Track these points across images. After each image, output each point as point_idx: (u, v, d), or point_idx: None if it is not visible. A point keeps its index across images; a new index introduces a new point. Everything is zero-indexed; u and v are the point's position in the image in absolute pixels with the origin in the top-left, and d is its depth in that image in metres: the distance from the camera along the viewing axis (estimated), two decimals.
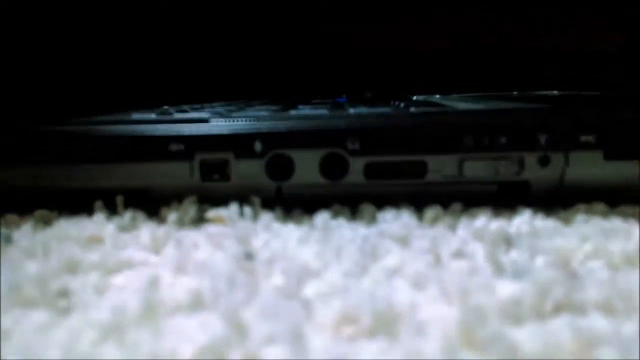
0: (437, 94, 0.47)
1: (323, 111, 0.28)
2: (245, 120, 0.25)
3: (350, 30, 0.60)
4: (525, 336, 0.14)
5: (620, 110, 0.24)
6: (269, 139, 0.24)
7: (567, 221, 0.23)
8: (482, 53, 0.59)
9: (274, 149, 0.24)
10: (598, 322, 0.15)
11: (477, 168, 0.24)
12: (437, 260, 0.19)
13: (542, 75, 0.58)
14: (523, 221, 0.23)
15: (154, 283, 0.17)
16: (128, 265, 0.20)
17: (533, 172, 0.24)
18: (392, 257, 0.20)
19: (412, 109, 0.28)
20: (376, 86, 0.59)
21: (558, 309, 0.16)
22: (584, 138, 0.24)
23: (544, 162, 0.24)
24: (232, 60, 0.59)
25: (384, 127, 0.24)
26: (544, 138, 0.24)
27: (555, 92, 0.43)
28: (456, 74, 0.60)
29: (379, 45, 0.60)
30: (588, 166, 0.24)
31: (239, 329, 0.15)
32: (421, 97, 0.42)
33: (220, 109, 0.31)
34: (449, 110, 0.26)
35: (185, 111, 0.30)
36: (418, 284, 0.18)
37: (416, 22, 0.59)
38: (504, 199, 0.25)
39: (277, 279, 0.18)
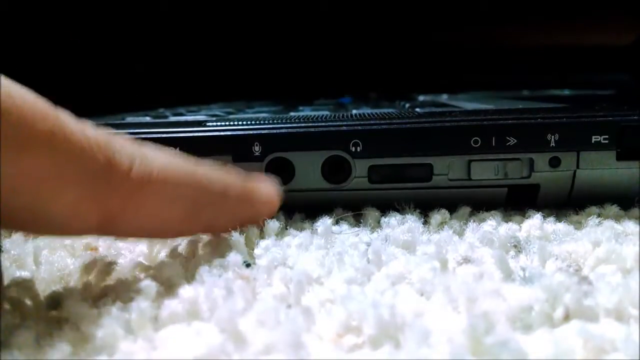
0: (445, 93, 0.46)
1: (325, 112, 0.27)
2: (244, 123, 0.24)
3: (354, 28, 0.59)
4: (535, 343, 0.14)
5: (631, 109, 0.23)
6: (268, 141, 0.24)
7: (578, 225, 0.22)
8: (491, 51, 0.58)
9: (274, 151, 0.24)
10: (609, 329, 0.15)
11: (485, 170, 0.24)
12: (444, 266, 0.19)
13: (553, 74, 0.57)
14: (533, 225, 0.22)
15: (148, 292, 0.16)
16: (122, 274, 0.19)
17: (543, 173, 0.24)
18: (397, 263, 0.19)
19: (418, 110, 0.27)
20: (382, 86, 0.58)
21: (568, 316, 0.15)
22: (595, 138, 0.23)
23: (555, 163, 0.23)
24: (234, 61, 0.59)
25: (388, 129, 0.24)
26: (555, 138, 0.23)
27: (567, 91, 0.42)
28: (464, 73, 0.59)
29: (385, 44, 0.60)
30: (600, 167, 0.23)
31: (236, 339, 0.14)
32: (428, 97, 0.41)
33: (217, 111, 0.30)
34: (455, 111, 0.26)
35: (181, 114, 0.29)
36: (423, 291, 0.17)
37: (423, 20, 0.59)
38: (514, 201, 0.24)
39: (277, 287, 0.17)
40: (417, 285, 0.18)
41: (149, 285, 0.17)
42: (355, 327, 0.15)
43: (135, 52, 0.56)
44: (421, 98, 0.41)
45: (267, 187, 0.21)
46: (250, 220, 0.21)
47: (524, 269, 0.18)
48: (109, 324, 0.15)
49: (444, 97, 0.41)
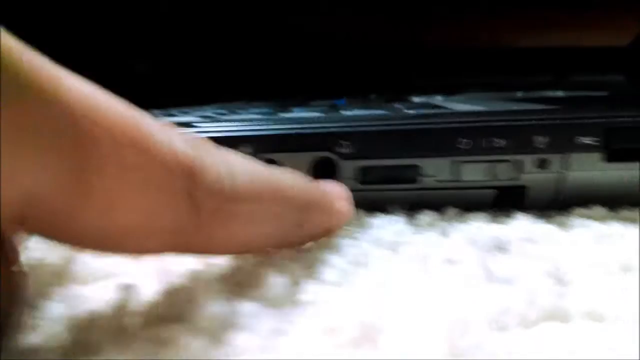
0: (446, 94, 0.46)
1: (316, 114, 0.27)
2: (233, 124, 0.24)
3: (359, 29, 0.59)
4: (510, 344, 0.14)
5: (620, 110, 0.23)
6: (257, 143, 0.24)
7: (564, 226, 0.22)
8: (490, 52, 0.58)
9: (263, 153, 0.24)
10: (584, 330, 0.15)
11: (473, 172, 0.24)
12: (427, 268, 0.19)
13: (554, 75, 0.57)
14: (518, 226, 0.22)
15: (127, 293, 0.16)
16: (104, 275, 0.19)
17: (531, 175, 0.24)
18: (381, 264, 0.19)
19: (408, 111, 0.27)
20: (387, 87, 0.58)
21: (544, 317, 0.15)
22: (583, 140, 0.23)
23: (543, 165, 0.23)
24: (240, 63, 0.59)
25: (376, 131, 0.24)
26: (542, 140, 0.23)
27: (561, 92, 0.42)
28: (465, 73, 0.59)
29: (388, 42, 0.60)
30: (588, 169, 0.23)
31: (216, 340, 0.14)
32: (422, 99, 0.41)
33: (209, 112, 0.30)
34: (445, 112, 0.26)
35: (173, 115, 0.29)
36: (406, 292, 0.17)
37: (426, 21, 0.59)
38: (502, 203, 0.24)
39: (260, 288, 0.17)
40: (399, 286, 0.18)
41: (127, 285, 0.17)
42: (336, 329, 0.15)
43: (135, 53, 0.56)
44: (416, 99, 0.41)
45: (340, 195, 0.21)
46: (327, 231, 0.20)
47: (504, 270, 0.18)
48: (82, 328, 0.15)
49: (438, 99, 0.41)
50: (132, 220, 0.14)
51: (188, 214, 0.15)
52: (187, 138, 0.16)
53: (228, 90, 0.54)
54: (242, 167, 0.17)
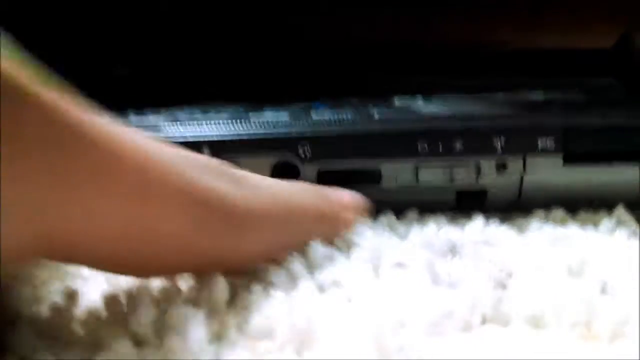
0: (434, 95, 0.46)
1: (283, 116, 0.27)
2: (197, 127, 0.24)
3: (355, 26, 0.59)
4: (446, 348, 0.14)
5: (580, 113, 0.23)
6: (217, 146, 0.24)
7: (520, 229, 0.22)
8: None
9: (223, 156, 0.24)
10: (521, 335, 0.15)
11: (432, 175, 0.24)
12: (376, 271, 0.19)
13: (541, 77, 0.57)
14: (474, 229, 0.22)
15: (71, 296, 0.16)
16: (61, 279, 0.19)
17: (490, 178, 0.24)
18: (330, 268, 0.19)
19: (373, 114, 0.27)
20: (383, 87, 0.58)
21: (485, 321, 0.15)
22: (542, 142, 0.23)
23: (501, 167, 0.23)
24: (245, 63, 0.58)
25: (336, 134, 0.24)
26: (501, 143, 0.23)
27: (542, 94, 0.42)
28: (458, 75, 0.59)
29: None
30: (546, 172, 0.23)
31: (150, 345, 0.14)
32: (403, 101, 0.41)
33: (181, 114, 0.30)
34: (407, 116, 0.26)
35: (144, 114, 0.29)
36: (350, 296, 0.17)
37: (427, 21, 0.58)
38: (463, 205, 0.24)
39: (205, 292, 0.17)
40: (345, 290, 0.18)
41: (71, 288, 0.17)
42: (268, 333, 0.15)
43: (122, 54, 0.56)
44: (397, 102, 0.41)
45: (348, 204, 0.21)
46: (329, 240, 0.21)
47: (451, 274, 0.18)
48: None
49: (419, 102, 0.41)
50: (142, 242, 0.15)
51: (201, 239, 0.16)
52: (203, 163, 0.17)
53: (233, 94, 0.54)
54: (255, 187, 0.18)
